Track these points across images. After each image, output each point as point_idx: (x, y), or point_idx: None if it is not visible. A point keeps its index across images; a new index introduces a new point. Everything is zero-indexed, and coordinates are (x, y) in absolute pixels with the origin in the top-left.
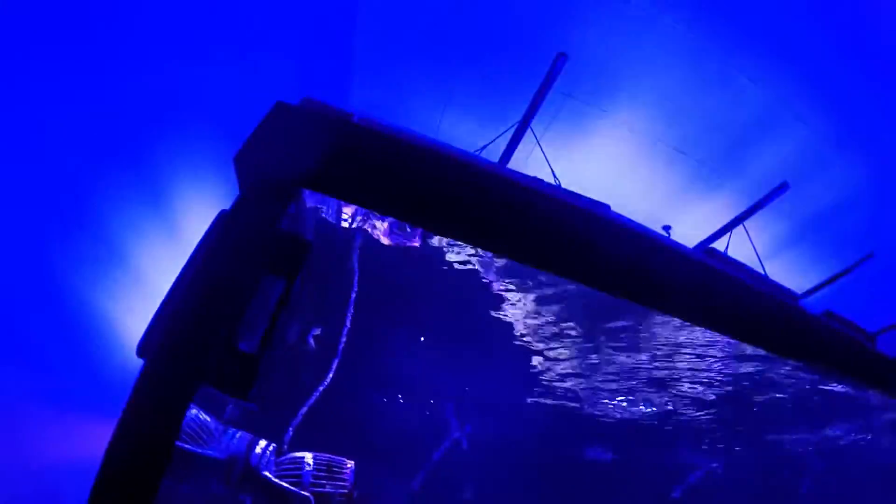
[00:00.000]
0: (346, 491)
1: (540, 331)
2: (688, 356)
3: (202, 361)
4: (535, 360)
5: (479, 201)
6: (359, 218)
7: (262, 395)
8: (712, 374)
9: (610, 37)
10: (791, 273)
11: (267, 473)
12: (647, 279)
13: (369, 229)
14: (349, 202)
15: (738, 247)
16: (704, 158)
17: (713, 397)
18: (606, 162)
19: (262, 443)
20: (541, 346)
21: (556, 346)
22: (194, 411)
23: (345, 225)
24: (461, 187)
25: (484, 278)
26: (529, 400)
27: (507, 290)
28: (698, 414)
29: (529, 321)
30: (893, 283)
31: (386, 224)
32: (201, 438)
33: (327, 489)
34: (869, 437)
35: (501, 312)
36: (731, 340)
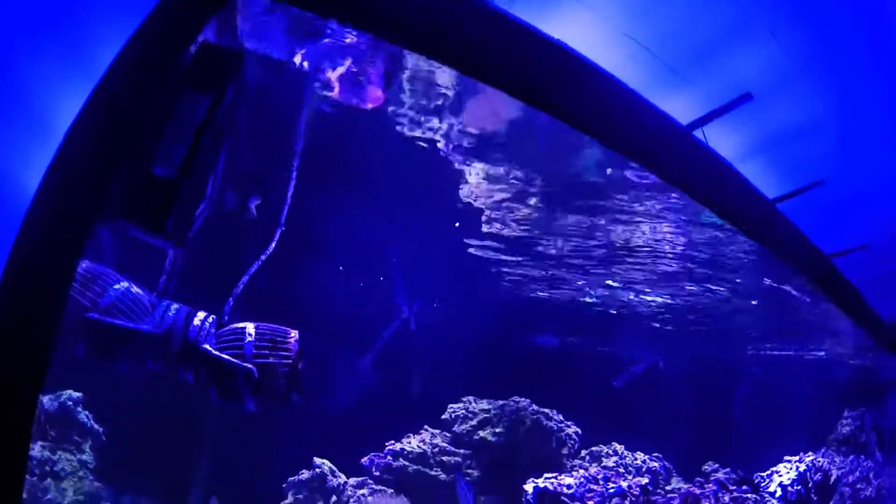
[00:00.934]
0: (290, 362)
1: (497, 209)
2: (643, 253)
3: (106, 187)
4: (490, 241)
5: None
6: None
7: (199, 262)
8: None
9: None
10: None
11: (207, 346)
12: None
13: (318, 84)
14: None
15: None
16: (670, 60)
17: (665, 296)
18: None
19: (201, 314)
20: (497, 225)
21: (513, 226)
22: (125, 284)
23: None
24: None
25: (444, 153)
26: (480, 280)
27: (468, 166)
28: (648, 309)
29: (487, 197)
30: (840, 213)
31: (338, 72)
32: (133, 313)
33: (271, 360)
34: (819, 354)
35: (459, 188)
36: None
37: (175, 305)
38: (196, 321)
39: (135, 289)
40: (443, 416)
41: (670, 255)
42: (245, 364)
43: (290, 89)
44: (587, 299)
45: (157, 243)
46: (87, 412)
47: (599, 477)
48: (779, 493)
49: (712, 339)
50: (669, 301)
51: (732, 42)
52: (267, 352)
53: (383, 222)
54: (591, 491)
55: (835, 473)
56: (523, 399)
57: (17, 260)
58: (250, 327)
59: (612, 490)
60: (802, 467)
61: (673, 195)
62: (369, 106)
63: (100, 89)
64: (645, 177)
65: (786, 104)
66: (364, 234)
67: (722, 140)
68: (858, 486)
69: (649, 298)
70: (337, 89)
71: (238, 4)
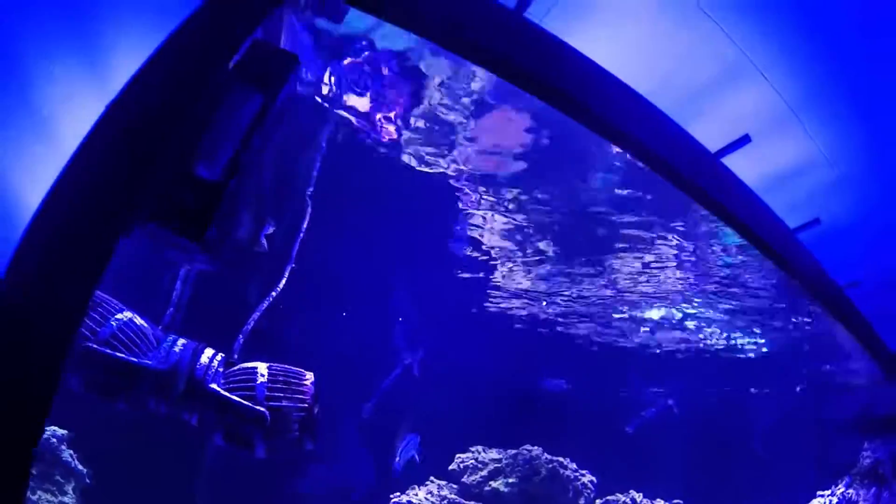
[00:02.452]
0: (305, 406)
1: (507, 250)
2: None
3: (137, 186)
4: (497, 276)
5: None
6: (334, 89)
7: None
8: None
9: None
10: None
11: (215, 386)
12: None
13: (342, 112)
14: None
15: None
16: (671, 109)
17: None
18: None
19: (209, 352)
20: (506, 268)
21: (521, 266)
22: (128, 314)
23: (318, 99)
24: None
25: (455, 188)
26: (487, 322)
27: (479, 204)
28: (658, 349)
29: (496, 240)
30: (833, 249)
31: (361, 101)
32: (137, 347)
33: (284, 404)
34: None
35: (468, 227)
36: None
37: (182, 340)
38: (204, 359)
39: (138, 320)
40: (450, 467)
41: (683, 292)
42: (257, 407)
43: (312, 115)
44: (597, 338)
45: (189, 255)
46: (71, 451)
47: None
48: None
49: (727, 376)
50: (683, 336)
51: (726, 84)
52: (281, 395)
53: (390, 264)
54: None
55: None
56: (536, 447)
57: (22, 268)
58: (262, 367)
59: None
60: (835, 500)
61: (678, 226)
62: (385, 138)
63: (140, 76)
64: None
65: (781, 145)
66: (369, 276)
67: None
68: None
69: (660, 336)
70: (355, 119)
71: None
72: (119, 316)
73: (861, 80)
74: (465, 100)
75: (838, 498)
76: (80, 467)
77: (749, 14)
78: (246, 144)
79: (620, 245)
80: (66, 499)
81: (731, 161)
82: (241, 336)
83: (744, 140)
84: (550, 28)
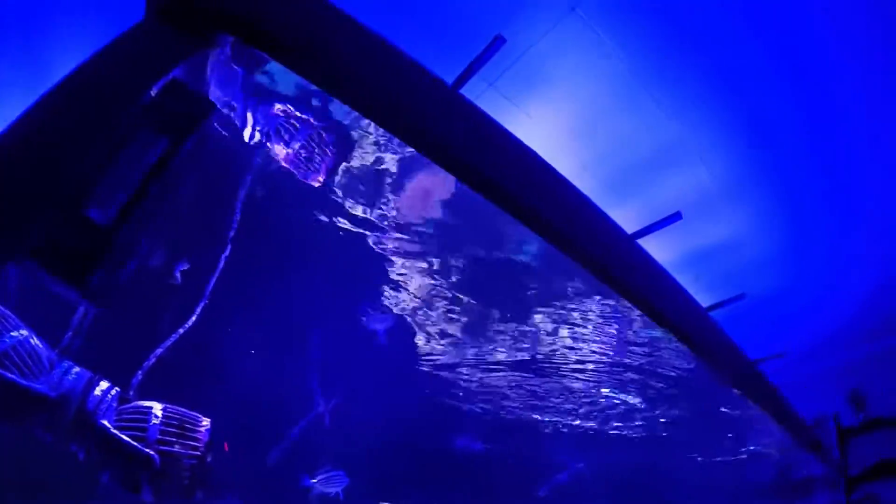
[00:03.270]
0: (198, 454)
1: (429, 311)
2: (572, 365)
3: (26, 223)
4: (418, 338)
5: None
6: (257, 134)
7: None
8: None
9: (545, 36)
10: None
11: (105, 422)
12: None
13: (270, 147)
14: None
15: None
16: (608, 182)
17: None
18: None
19: (104, 384)
20: (427, 326)
21: (442, 328)
22: (24, 333)
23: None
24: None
25: (380, 245)
26: (404, 381)
27: (403, 264)
28: (571, 418)
29: (419, 299)
30: (757, 324)
31: (291, 150)
32: (28, 368)
33: (176, 449)
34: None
35: (390, 286)
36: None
37: (77, 369)
38: (98, 391)
39: (35, 340)
40: None
41: (598, 362)
42: (145, 450)
43: (238, 155)
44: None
45: (73, 300)
46: None
47: None
48: None
49: (639, 445)
50: (593, 407)
51: (665, 164)
52: (174, 439)
53: (306, 306)
54: None
55: None
56: None
57: None
58: (157, 408)
59: None
60: None
61: (608, 301)
62: (315, 183)
63: (41, 104)
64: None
65: (711, 224)
66: (285, 317)
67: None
68: None
69: (570, 406)
70: (282, 162)
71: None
72: (14, 333)
73: (789, 168)
74: (392, 158)
75: None
76: None
77: (695, 101)
78: (144, 190)
79: (542, 309)
80: None
81: (650, 241)
82: (139, 372)
83: (675, 217)
84: (485, 106)
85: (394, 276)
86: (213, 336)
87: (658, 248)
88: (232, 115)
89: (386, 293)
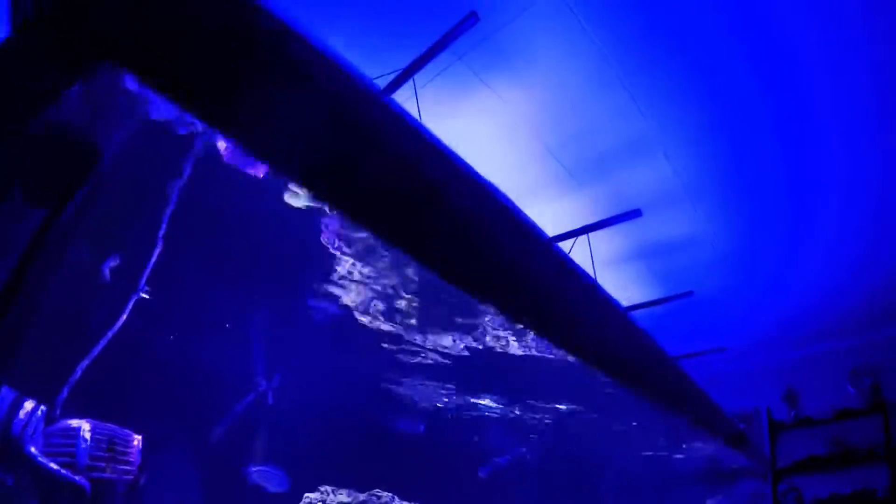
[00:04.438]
0: (130, 477)
1: (371, 299)
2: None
3: None
4: (361, 320)
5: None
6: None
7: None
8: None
9: (522, 14)
10: (618, 288)
11: (33, 449)
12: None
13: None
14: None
15: (576, 252)
16: (571, 167)
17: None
18: (478, 136)
19: (29, 405)
20: (370, 314)
21: (385, 314)
22: None
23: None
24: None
25: (323, 233)
26: (345, 362)
27: (343, 252)
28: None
29: (362, 288)
30: (700, 320)
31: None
32: None
33: (107, 474)
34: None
35: (335, 275)
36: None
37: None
38: (22, 413)
39: None
40: None
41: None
42: (76, 478)
43: (168, 152)
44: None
45: None
46: None
47: None
48: None
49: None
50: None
51: (629, 156)
52: (104, 463)
53: (248, 283)
54: None
55: None
56: (385, 493)
57: None
58: (85, 428)
59: None
60: None
61: None
62: (260, 171)
63: None
64: None
65: (668, 220)
66: (226, 295)
67: (604, 243)
68: None
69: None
70: (224, 155)
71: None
72: None
73: (752, 174)
74: None
75: None
76: None
77: (666, 96)
78: (22, 268)
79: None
80: None
81: (604, 234)
82: (65, 388)
83: (634, 213)
84: (453, 81)
85: (341, 259)
86: (151, 331)
87: (610, 240)
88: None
89: (334, 274)
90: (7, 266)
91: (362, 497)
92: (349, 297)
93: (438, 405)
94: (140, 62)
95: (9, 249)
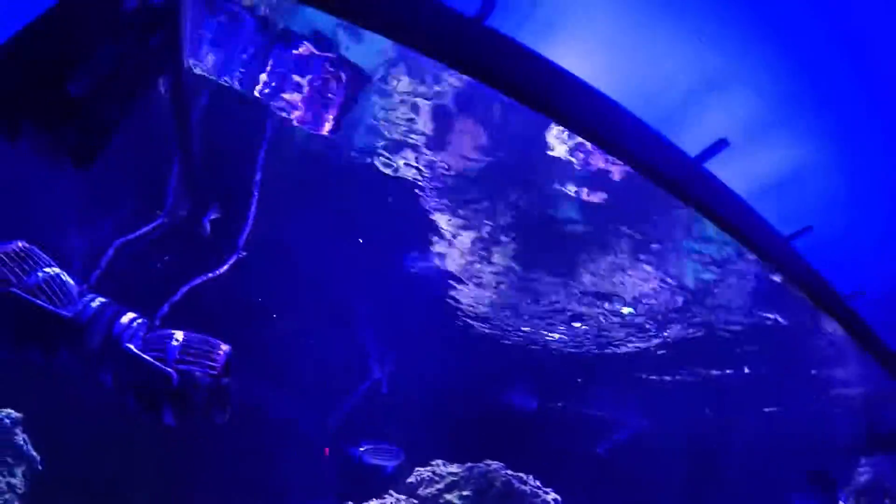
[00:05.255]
0: (214, 373)
1: (472, 260)
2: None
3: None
4: (462, 291)
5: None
6: (269, 87)
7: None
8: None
9: None
10: None
11: (130, 346)
12: None
13: (280, 105)
14: None
15: None
16: (646, 114)
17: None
18: None
19: (130, 314)
20: (473, 276)
21: (489, 276)
22: (56, 269)
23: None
24: None
25: (419, 197)
26: (453, 334)
27: (442, 215)
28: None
29: (462, 252)
30: (825, 257)
31: (297, 96)
32: (59, 298)
33: (194, 369)
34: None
35: (433, 239)
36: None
37: (102, 299)
38: (124, 319)
39: (66, 276)
40: (408, 480)
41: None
42: (165, 368)
43: (251, 115)
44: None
45: (55, 162)
46: (25, 435)
47: None
48: None
49: (704, 393)
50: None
51: (709, 93)
52: (192, 359)
53: (354, 271)
54: None
55: None
56: (495, 462)
57: None
58: (179, 334)
59: None
60: None
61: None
62: (324, 131)
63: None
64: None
65: (767, 154)
66: (336, 283)
67: None
68: None
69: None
70: (297, 113)
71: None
72: (48, 269)
73: (843, 91)
74: (425, 104)
75: None
76: (32, 452)
77: (726, 24)
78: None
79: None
80: (15, 481)
81: (713, 168)
82: (166, 305)
83: (721, 144)
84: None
85: (441, 231)
86: (265, 306)
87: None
88: (243, 70)
89: (432, 245)
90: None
91: (469, 464)
92: (454, 260)
93: (555, 373)
94: None
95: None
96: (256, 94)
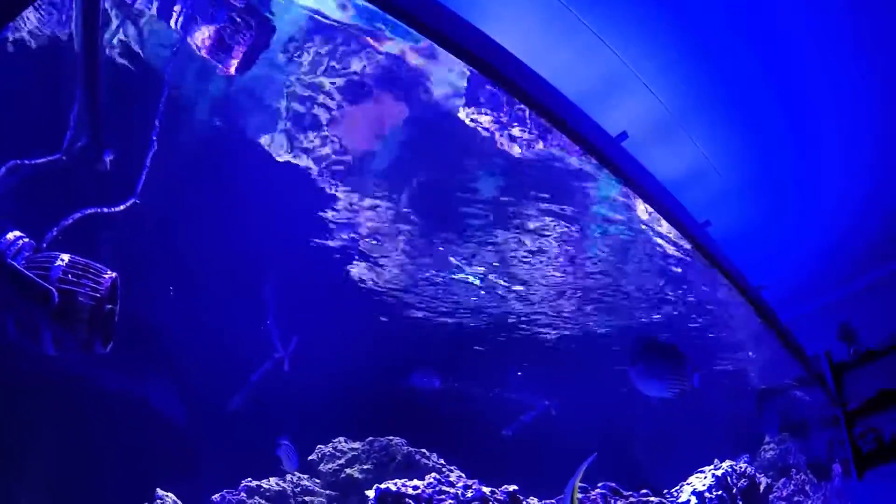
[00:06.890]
0: (97, 296)
1: (370, 236)
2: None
3: None
4: (361, 267)
5: None
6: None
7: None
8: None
9: None
10: None
11: (12, 262)
12: None
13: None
14: None
15: None
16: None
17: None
18: None
19: (16, 233)
20: (370, 252)
21: (387, 251)
22: None
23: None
24: None
25: (318, 174)
26: (356, 312)
27: (342, 190)
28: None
29: (361, 224)
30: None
31: (208, 32)
32: None
33: (76, 289)
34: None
35: (330, 213)
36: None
37: None
38: (9, 236)
39: None
40: (309, 457)
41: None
42: (45, 284)
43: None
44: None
45: None
46: None
47: (459, 483)
48: (693, 501)
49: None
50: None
51: (609, 93)
52: (75, 280)
53: (256, 247)
54: (442, 493)
55: (764, 481)
56: (396, 437)
57: None
58: (65, 256)
59: (470, 494)
60: (720, 472)
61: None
62: (231, 70)
63: None
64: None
65: (665, 151)
66: (236, 260)
67: None
68: (796, 499)
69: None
70: (205, 49)
71: None
72: None
73: (742, 92)
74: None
75: (725, 469)
76: None
77: (629, 29)
78: None
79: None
80: None
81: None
82: (55, 229)
83: (621, 137)
84: None
85: (341, 205)
86: (164, 284)
87: None
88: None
89: (333, 219)
90: None
91: (370, 439)
92: (354, 238)
93: (459, 352)
94: None
95: None
96: (173, 24)
